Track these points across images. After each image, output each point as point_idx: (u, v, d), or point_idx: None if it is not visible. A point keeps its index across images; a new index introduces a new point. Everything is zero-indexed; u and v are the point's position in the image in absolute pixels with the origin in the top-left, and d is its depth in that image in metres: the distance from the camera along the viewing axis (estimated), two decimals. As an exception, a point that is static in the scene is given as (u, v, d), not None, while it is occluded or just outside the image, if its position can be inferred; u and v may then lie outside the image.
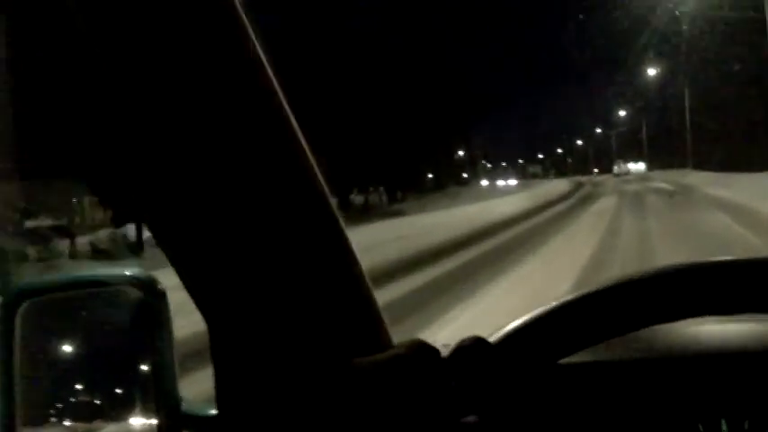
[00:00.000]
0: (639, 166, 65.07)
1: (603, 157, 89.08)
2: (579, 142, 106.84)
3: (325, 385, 0.59)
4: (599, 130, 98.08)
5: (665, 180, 32.32)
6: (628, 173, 64.97)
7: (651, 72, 41.66)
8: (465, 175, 63.25)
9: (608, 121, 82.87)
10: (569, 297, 0.56)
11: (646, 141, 55.99)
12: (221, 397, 0.62)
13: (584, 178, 60.39)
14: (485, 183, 71.42)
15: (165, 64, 0.53)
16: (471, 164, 71.85)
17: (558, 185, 36.07)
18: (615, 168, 68.61)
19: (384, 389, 0.57)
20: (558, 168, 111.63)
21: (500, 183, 70.20)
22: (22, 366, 0.59)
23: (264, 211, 0.57)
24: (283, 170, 0.57)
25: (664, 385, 0.60)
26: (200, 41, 0.52)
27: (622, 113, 65.29)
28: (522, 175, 79.64)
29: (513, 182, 74.08)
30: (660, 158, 53.16)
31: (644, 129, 56.23)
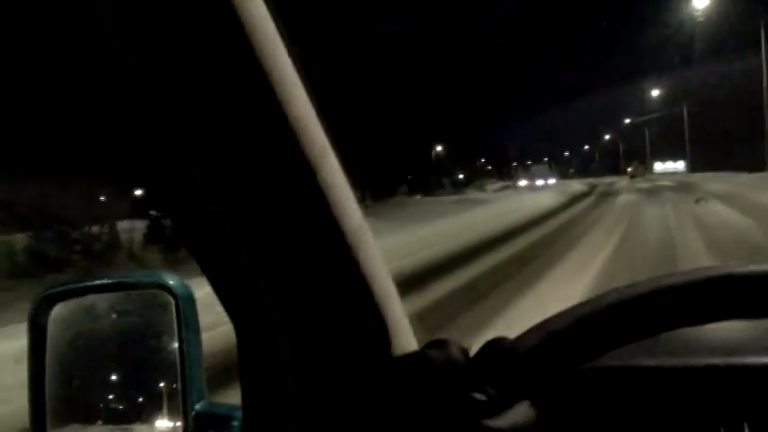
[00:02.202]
0: (677, 166, 60.46)
1: (636, 155, 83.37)
2: (607, 137, 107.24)
3: (350, 388, 0.66)
4: (628, 120, 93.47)
5: (722, 197, 18.88)
6: (643, 175, 61.05)
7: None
8: (461, 176, 58.93)
9: (639, 111, 78.50)
10: (593, 298, 0.62)
11: (687, 132, 48.21)
12: (247, 400, 0.69)
13: (596, 181, 57.04)
14: (523, 183, 68.43)
15: (191, 64, 0.58)
16: (467, 164, 66.76)
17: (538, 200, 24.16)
18: (631, 169, 67.28)
19: (410, 389, 0.64)
20: (582, 169, 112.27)
21: (539, 182, 66.59)
22: (53, 368, 0.71)
23: (291, 215, 0.64)
24: (310, 175, 0.63)
25: (686, 389, 0.66)
26: (227, 40, 0.57)
27: (655, 93, 63.53)
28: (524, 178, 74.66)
29: (552, 180, 70.41)
30: (708, 156, 46.33)
31: (684, 116, 48.97)
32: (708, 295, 0.56)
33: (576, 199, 27.02)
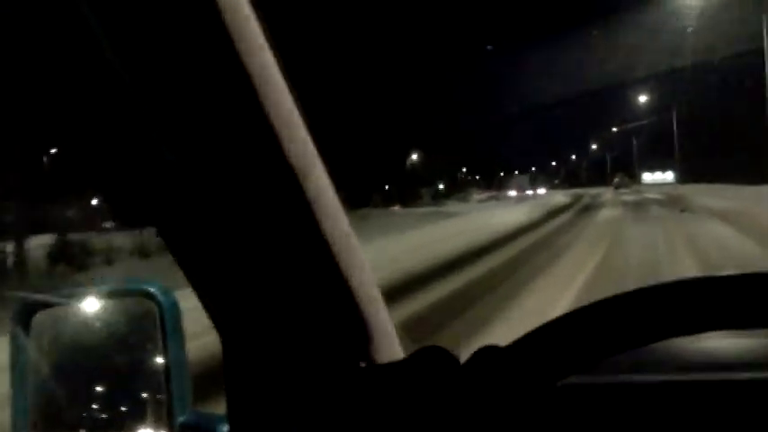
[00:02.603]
0: (666, 177, 59.27)
1: (624, 165, 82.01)
2: (595, 146, 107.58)
3: (337, 396, 0.67)
4: (615, 129, 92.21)
5: (721, 215, 15.49)
6: (627, 186, 59.82)
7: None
8: (442, 187, 57.11)
9: (628, 118, 76.22)
10: (584, 307, 0.63)
11: (676, 138, 45.06)
12: (232, 409, 0.70)
13: (581, 191, 54.90)
14: (512, 193, 67.66)
15: (176, 71, 0.60)
16: (449, 173, 65.87)
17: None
18: (616, 180, 66.33)
19: (399, 396, 0.65)
20: (569, 180, 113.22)
21: (511, 193, 66.22)
22: (35, 379, 0.71)
23: (278, 223, 0.66)
24: (297, 182, 0.64)
25: (674, 404, 0.67)
26: (212, 46, 0.59)
27: (643, 99, 59.64)
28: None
29: (541, 191, 70.24)
30: (699, 167, 43.84)
31: (674, 121, 45.73)
32: (696, 304, 0.57)
33: (555, 213, 23.66)
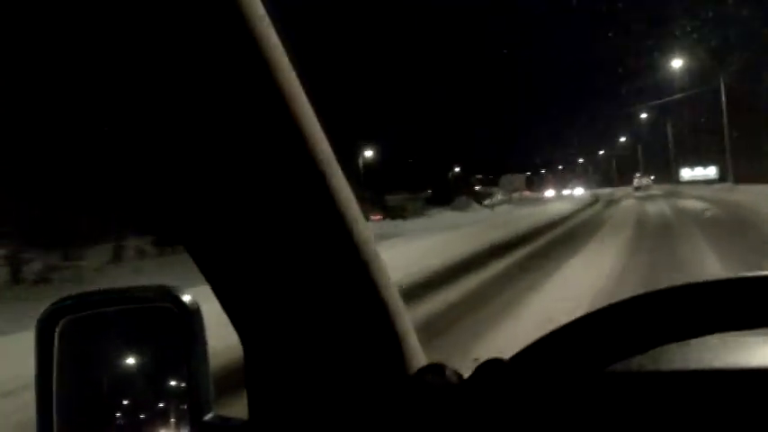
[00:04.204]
0: (708, 173, 54.30)
1: (653, 162, 78.72)
2: (623, 139, 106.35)
3: (356, 403, 0.73)
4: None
5: None
6: (648, 188, 56.80)
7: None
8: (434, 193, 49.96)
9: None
10: (586, 314, 0.66)
11: (726, 116, 34.80)
12: (254, 413, 0.76)
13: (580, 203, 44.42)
14: (549, 193, 66.88)
15: (192, 72, 0.66)
16: (439, 176, 58.14)
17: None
18: (635, 181, 65.04)
19: (405, 413, 0.71)
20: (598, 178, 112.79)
21: (548, 193, 64.41)
22: (60, 382, 0.75)
23: (301, 228, 0.71)
24: (319, 190, 0.70)
25: (683, 402, 0.69)
26: (226, 47, 0.65)
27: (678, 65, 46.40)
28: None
29: (579, 191, 69.39)
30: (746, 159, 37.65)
31: (722, 94, 34.49)
32: (703, 307, 0.61)
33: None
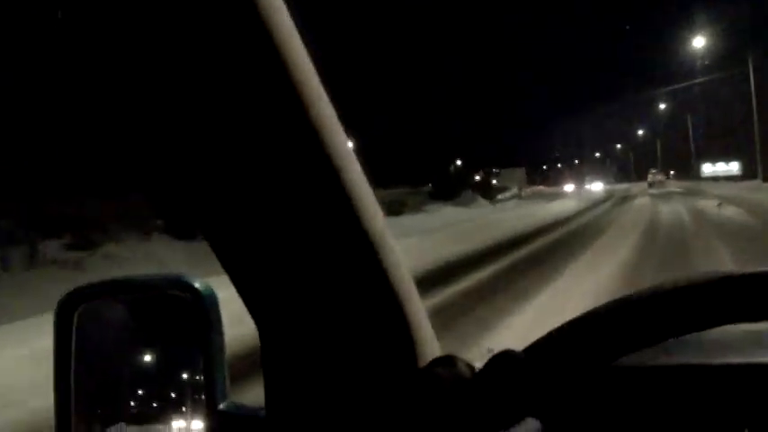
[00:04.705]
0: (731, 168, 53.30)
1: (673, 157, 75.43)
2: (641, 132, 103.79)
3: (371, 393, 0.75)
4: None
5: None
6: (662, 185, 55.14)
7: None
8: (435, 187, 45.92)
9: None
10: (598, 307, 0.68)
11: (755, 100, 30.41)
12: (270, 401, 0.78)
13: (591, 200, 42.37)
14: (569, 188, 65.59)
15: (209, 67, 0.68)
16: (441, 168, 53.84)
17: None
18: (649, 177, 64.40)
19: (417, 406, 0.72)
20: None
21: (567, 188, 63.14)
22: (78, 368, 0.78)
23: (317, 217, 0.73)
24: (335, 179, 0.72)
25: (699, 394, 0.72)
26: (245, 45, 0.67)
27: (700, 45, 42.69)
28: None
29: (599, 185, 66.26)
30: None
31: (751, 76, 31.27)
32: (714, 298, 0.63)
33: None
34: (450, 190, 46.47)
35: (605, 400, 0.72)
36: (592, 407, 0.71)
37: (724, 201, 23.58)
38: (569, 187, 67.32)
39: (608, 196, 40.63)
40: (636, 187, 57.74)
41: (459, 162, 64.83)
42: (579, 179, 78.37)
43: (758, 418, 0.68)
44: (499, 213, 27.64)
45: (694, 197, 31.68)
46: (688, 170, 62.05)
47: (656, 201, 31.96)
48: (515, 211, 29.38)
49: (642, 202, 32.39)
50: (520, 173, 38.91)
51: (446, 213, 27.94)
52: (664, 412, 0.71)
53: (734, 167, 53.31)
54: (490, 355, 0.75)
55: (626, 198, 39.27)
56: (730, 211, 19.47)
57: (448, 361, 0.77)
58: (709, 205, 23.19)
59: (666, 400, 0.72)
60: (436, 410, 0.71)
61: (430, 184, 49.15)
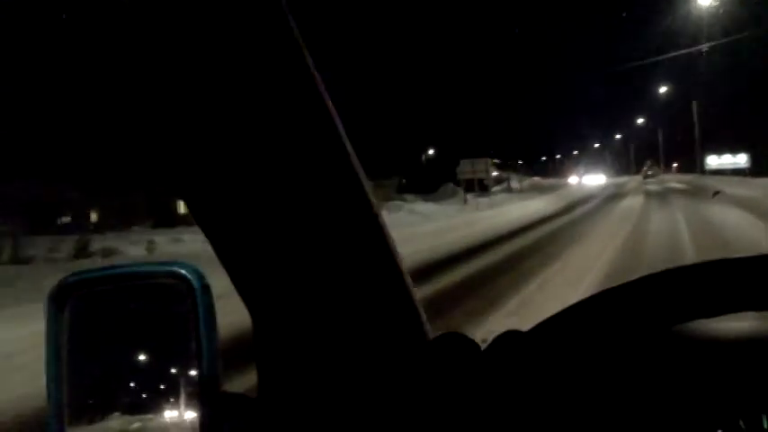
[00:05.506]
0: (738, 161, 50.57)
1: (681, 144, 68.89)
2: (640, 120, 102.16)
3: (363, 377, 0.77)
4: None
5: None
6: (656, 176, 56.27)
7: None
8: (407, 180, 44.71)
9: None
10: (604, 291, 0.70)
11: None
12: (263, 390, 0.81)
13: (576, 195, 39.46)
14: (573, 180, 66.90)
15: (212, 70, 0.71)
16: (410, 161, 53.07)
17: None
18: (645, 169, 66.37)
19: (422, 382, 0.74)
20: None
21: (571, 180, 63.87)
22: (70, 359, 0.81)
23: (308, 209, 0.76)
24: (327, 169, 0.75)
25: (701, 380, 0.74)
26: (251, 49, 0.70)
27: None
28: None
29: (601, 178, 66.24)
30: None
31: None
32: (723, 286, 0.65)
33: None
34: (425, 182, 43.20)
35: (606, 381, 0.76)
36: (592, 387, 0.75)
37: (744, 204, 17.92)
38: (573, 179, 67.91)
39: (593, 194, 37.75)
40: (633, 181, 56.09)
41: (431, 151, 62.02)
42: (577, 171, 78.37)
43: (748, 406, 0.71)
44: (467, 214, 23.37)
45: (702, 200, 25.13)
46: (693, 162, 58.80)
47: (653, 202, 26.85)
48: (493, 210, 25.28)
49: (634, 203, 27.11)
50: (481, 164, 33.07)
51: (399, 218, 21.85)
52: (666, 393, 0.75)
53: (741, 160, 52.08)
54: (491, 336, 0.78)
55: (614, 197, 35.12)
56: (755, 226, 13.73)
57: (453, 338, 0.81)
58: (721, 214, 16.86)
59: (671, 381, 0.75)
60: (441, 390, 0.75)
61: (400, 177, 45.52)
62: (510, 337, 0.75)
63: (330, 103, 0.76)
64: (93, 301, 0.84)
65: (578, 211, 25.40)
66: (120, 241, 15.96)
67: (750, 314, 0.69)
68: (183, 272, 0.82)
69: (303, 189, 0.76)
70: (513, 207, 26.19)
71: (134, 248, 14.86)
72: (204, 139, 0.75)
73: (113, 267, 0.83)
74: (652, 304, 0.68)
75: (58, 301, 0.82)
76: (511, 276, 10.06)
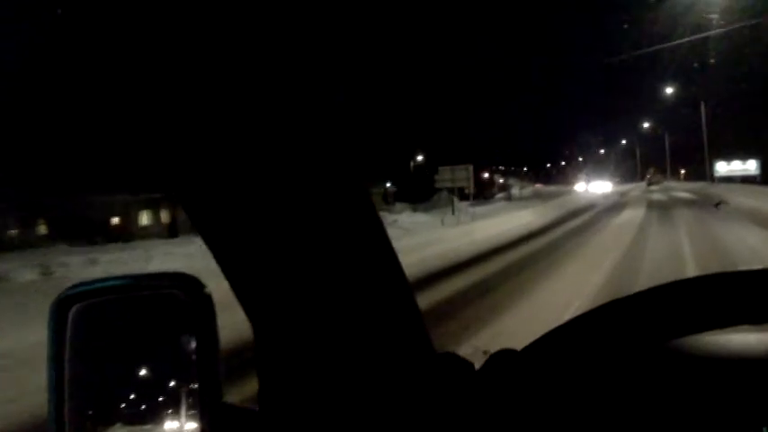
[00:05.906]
0: (748, 167, 49.26)
1: (687, 150, 67.22)
2: (646, 125, 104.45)
3: (366, 389, 0.78)
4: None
5: None
6: (659, 183, 56.71)
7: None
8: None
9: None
10: (596, 308, 0.71)
11: None
12: (264, 399, 0.82)
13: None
14: (581, 187, 66.34)
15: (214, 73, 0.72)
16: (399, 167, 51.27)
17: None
18: (648, 177, 66.74)
19: (417, 403, 0.75)
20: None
21: (578, 187, 63.67)
22: (72, 370, 0.83)
23: (311, 217, 0.76)
24: (332, 175, 0.76)
25: (699, 394, 0.75)
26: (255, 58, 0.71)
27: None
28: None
29: (607, 186, 65.20)
30: None
31: None
32: (719, 300, 0.66)
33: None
34: (416, 190, 41.43)
35: (600, 399, 0.76)
36: (586, 405, 0.75)
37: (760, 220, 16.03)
38: (581, 186, 67.68)
39: (591, 204, 35.74)
40: (636, 190, 54.43)
41: (420, 158, 58.19)
42: (584, 178, 78.45)
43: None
44: (443, 230, 21.00)
45: (707, 213, 22.38)
46: (701, 169, 56.66)
47: (655, 217, 23.96)
48: (473, 223, 22.86)
49: (634, 217, 24.55)
50: (461, 172, 30.50)
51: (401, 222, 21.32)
52: (663, 411, 0.75)
53: (751, 166, 50.68)
54: (487, 355, 0.78)
55: (614, 208, 32.56)
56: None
57: (448, 359, 0.82)
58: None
59: (664, 399, 0.76)
60: (437, 408, 0.75)
61: (388, 184, 43.83)
62: (504, 355, 0.76)
63: (331, 109, 0.79)
64: (94, 312, 0.86)
65: (570, 225, 23.05)
66: (17, 262, 14.11)
67: (747, 328, 0.71)
68: (186, 282, 0.84)
69: (306, 196, 0.77)
70: (499, 220, 23.93)
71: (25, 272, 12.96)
72: (206, 146, 0.76)
73: (115, 278, 0.85)
74: (647, 319, 0.69)
75: (59, 312, 0.84)
76: (451, 330, 7.01)
